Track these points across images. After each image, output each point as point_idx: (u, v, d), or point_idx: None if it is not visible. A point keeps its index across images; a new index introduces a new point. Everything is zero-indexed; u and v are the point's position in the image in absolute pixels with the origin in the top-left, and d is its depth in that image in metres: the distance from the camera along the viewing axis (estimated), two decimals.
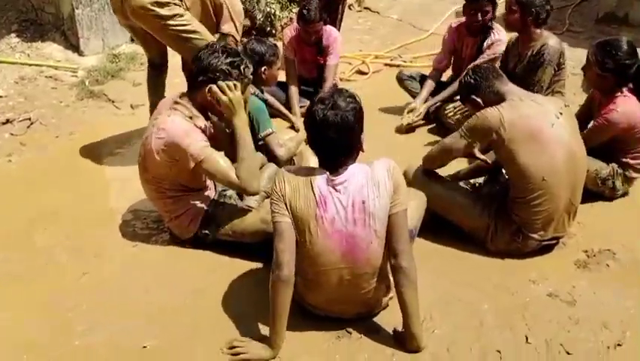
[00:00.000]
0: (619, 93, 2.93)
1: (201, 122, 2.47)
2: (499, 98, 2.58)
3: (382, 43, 5.85)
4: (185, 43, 3.20)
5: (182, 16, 3.16)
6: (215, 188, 2.76)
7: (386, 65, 5.27)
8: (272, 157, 2.98)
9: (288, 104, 4.13)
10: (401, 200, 2.08)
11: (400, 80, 4.22)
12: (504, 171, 2.73)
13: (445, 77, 4.20)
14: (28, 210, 3.10)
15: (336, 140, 2.04)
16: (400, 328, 2.18)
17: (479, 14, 3.75)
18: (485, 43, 3.85)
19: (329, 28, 4.19)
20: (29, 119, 4.14)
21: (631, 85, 2.97)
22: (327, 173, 2.07)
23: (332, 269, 2.10)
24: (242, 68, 2.44)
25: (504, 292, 2.47)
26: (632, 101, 2.95)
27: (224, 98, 2.40)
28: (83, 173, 3.56)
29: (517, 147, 2.47)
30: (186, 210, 2.61)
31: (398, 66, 5.19)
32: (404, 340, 2.14)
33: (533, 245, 2.64)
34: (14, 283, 2.55)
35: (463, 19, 3.91)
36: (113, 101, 4.50)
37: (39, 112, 4.25)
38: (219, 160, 2.43)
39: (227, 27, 3.37)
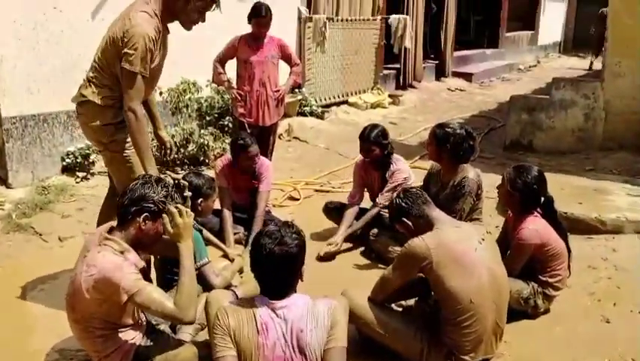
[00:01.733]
0: (529, 214, 3.22)
1: (133, 256, 2.45)
2: (427, 223, 2.77)
3: (312, 170, 6.16)
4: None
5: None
6: (147, 321, 2.72)
7: (316, 190, 5.53)
8: (208, 287, 2.99)
9: (221, 232, 4.20)
10: (338, 336, 2.18)
11: (327, 211, 4.45)
12: (433, 295, 2.86)
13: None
14: None
15: (280, 272, 2.16)
16: None
17: (367, 153, 4.15)
18: (387, 175, 4.18)
19: (262, 158, 4.40)
20: None
21: (540, 211, 3.27)
22: (268, 299, 2.15)
23: None
24: (176, 196, 2.52)
25: None
26: (540, 220, 3.23)
27: (178, 220, 2.43)
28: (6, 310, 3.39)
29: (444, 272, 2.62)
30: (116, 348, 2.52)
31: (327, 192, 5.46)
32: None
33: None
34: None
35: None
36: (40, 234, 4.40)
37: None
38: (153, 291, 2.39)
39: None
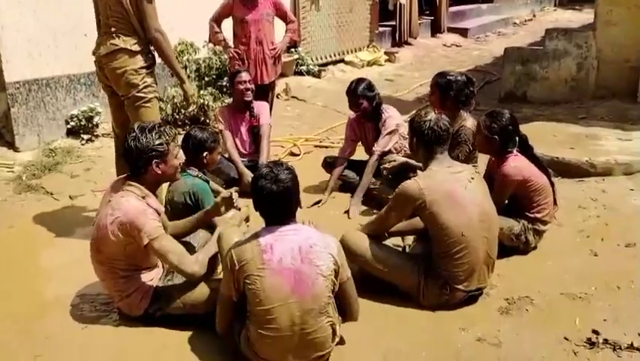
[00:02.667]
0: (509, 154, 3.39)
1: (153, 201, 2.66)
2: (427, 156, 2.95)
3: (311, 127, 6.29)
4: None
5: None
6: (163, 266, 2.90)
7: (315, 146, 5.67)
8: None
9: (236, 172, 4.47)
10: (346, 269, 2.47)
11: (326, 165, 4.61)
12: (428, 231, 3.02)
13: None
14: None
15: (282, 205, 2.40)
16: None
17: (355, 107, 4.30)
18: (380, 124, 4.32)
19: (259, 102, 4.60)
20: None
21: (518, 150, 3.44)
22: (272, 227, 2.40)
23: (282, 305, 2.32)
24: (168, 135, 2.69)
25: (438, 341, 2.70)
26: (521, 158, 3.41)
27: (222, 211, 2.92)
28: (25, 262, 3.58)
29: (437, 209, 2.79)
30: (137, 288, 2.72)
31: (326, 147, 5.61)
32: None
33: (460, 296, 2.91)
34: None
35: None
36: (51, 194, 4.57)
37: None
38: (171, 241, 2.64)
39: None
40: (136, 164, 2.64)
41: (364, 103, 4.25)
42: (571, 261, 3.40)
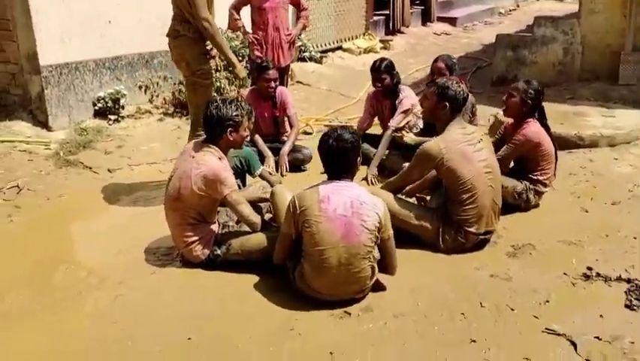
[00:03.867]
0: (530, 119, 3.90)
1: (226, 162, 3.15)
2: (445, 118, 3.43)
3: (318, 109, 6.74)
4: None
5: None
6: (218, 222, 3.36)
7: (326, 125, 6.12)
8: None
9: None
10: (389, 227, 2.93)
11: None
12: (444, 183, 3.49)
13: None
14: (45, 255, 3.50)
15: (340, 161, 2.88)
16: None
17: (378, 82, 4.75)
18: (397, 102, 4.80)
19: (280, 88, 4.99)
20: (17, 186, 4.52)
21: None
22: (332, 181, 2.84)
23: (333, 248, 2.79)
24: (244, 109, 3.17)
25: (458, 278, 3.20)
26: (538, 125, 3.93)
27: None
28: (83, 224, 4.01)
29: (452, 164, 3.31)
30: (202, 236, 3.18)
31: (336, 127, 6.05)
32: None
33: (473, 240, 3.41)
34: (59, 311, 2.94)
35: None
36: (90, 168, 4.96)
37: (24, 180, 4.63)
38: (241, 197, 3.16)
39: None
40: (214, 130, 3.10)
41: (387, 79, 4.73)
42: (565, 216, 3.93)
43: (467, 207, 3.35)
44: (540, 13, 11.45)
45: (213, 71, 5.90)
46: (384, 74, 4.73)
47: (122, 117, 6.03)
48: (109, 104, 5.92)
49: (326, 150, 2.86)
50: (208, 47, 3.96)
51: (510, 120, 4.09)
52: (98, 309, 2.95)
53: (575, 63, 7.14)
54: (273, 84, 4.81)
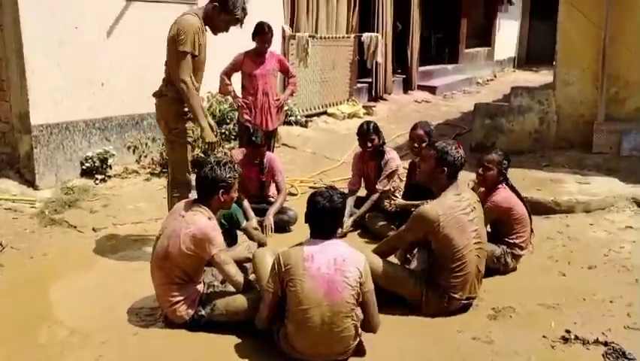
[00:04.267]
0: (500, 186, 4.06)
1: (216, 222, 3.21)
2: (445, 183, 3.49)
3: (303, 171, 6.88)
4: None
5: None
6: (203, 282, 3.39)
7: (310, 187, 6.24)
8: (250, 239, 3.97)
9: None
10: (369, 281, 2.96)
11: None
12: (433, 248, 3.53)
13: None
14: (26, 313, 3.48)
15: (329, 220, 2.96)
16: None
17: (367, 143, 4.94)
18: (382, 163, 4.98)
19: (269, 154, 5.13)
20: (0, 244, 4.51)
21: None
22: (315, 240, 2.93)
23: (316, 306, 2.83)
24: (236, 172, 3.28)
25: (441, 340, 3.24)
26: (508, 190, 4.10)
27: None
28: (67, 282, 3.99)
29: (447, 231, 3.37)
30: (187, 296, 3.20)
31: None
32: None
33: (456, 305, 3.47)
34: None
35: None
36: (75, 227, 4.97)
37: (7, 238, 4.62)
38: (229, 257, 3.22)
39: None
40: (207, 190, 3.19)
41: (376, 139, 4.93)
42: (544, 279, 4.03)
43: (455, 274, 3.41)
44: (516, 83, 11.98)
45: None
46: (372, 135, 4.93)
47: (109, 177, 6.09)
48: (96, 164, 6.00)
49: (317, 209, 2.94)
50: (186, 109, 4.07)
51: (482, 189, 4.24)
52: None
53: (550, 132, 7.43)
54: (260, 155, 4.97)
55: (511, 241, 4.05)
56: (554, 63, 7.65)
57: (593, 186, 5.66)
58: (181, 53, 3.90)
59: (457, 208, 3.42)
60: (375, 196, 4.89)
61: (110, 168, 6.10)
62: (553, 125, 7.42)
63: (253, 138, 4.91)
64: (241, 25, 4.13)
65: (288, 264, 2.89)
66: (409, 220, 3.55)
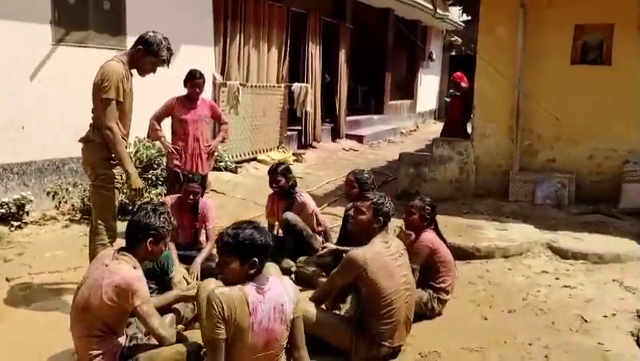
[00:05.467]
0: (426, 231, 4.22)
1: (141, 272, 3.08)
2: (378, 231, 3.57)
3: (232, 218, 6.78)
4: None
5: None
6: (126, 334, 3.25)
7: None
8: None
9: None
10: (299, 308, 2.92)
11: None
12: (363, 294, 3.55)
13: None
14: None
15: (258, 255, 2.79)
16: None
17: (273, 183, 5.17)
18: (293, 207, 5.12)
19: (204, 199, 5.08)
20: None
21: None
22: (256, 285, 2.77)
23: (254, 357, 2.77)
24: (170, 224, 3.18)
25: None
26: (433, 234, 4.27)
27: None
28: None
29: (374, 276, 3.42)
30: (107, 349, 3.04)
31: None
32: None
33: (385, 352, 3.51)
34: None
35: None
36: None
37: None
38: (153, 308, 3.07)
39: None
40: (135, 236, 3.08)
41: (282, 181, 5.09)
42: (467, 323, 4.15)
43: (383, 321, 3.45)
44: (436, 134, 12.54)
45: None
46: (279, 176, 5.10)
47: (26, 223, 5.81)
48: (12, 210, 5.71)
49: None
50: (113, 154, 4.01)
51: (412, 235, 4.37)
52: None
53: (469, 180, 7.80)
54: (192, 197, 4.90)
55: (437, 285, 4.17)
56: (472, 116, 8.11)
57: (510, 233, 5.95)
58: (105, 100, 3.86)
59: (384, 254, 3.51)
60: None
61: (27, 214, 5.83)
62: (472, 174, 7.80)
63: (190, 176, 4.87)
64: (167, 65, 4.16)
65: (234, 315, 2.69)
66: (339, 265, 3.60)
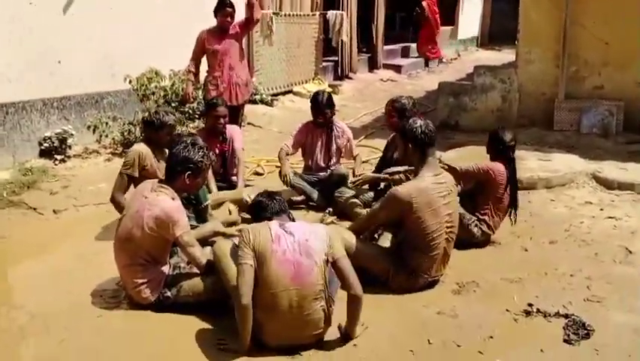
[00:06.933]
0: (499, 163, 4.14)
1: (179, 203, 3.12)
2: (420, 159, 3.47)
3: (269, 150, 6.78)
4: None
5: None
6: (169, 263, 3.34)
7: (277, 167, 6.17)
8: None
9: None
10: (336, 249, 2.89)
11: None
12: (405, 228, 3.50)
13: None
14: None
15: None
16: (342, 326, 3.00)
17: (320, 116, 4.96)
18: (336, 132, 5.02)
19: (230, 125, 5.06)
20: None
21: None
22: (280, 221, 2.88)
23: (284, 291, 2.78)
24: (209, 159, 3.20)
25: (407, 315, 3.29)
26: (500, 167, 4.13)
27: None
28: (26, 266, 3.88)
29: (419, 214, 3.37)
30: (151, 278, 3.14)
31: None
32: (345, 331, 2.97)
33: (422, 282, 3.52)
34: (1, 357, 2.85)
35: None
36: (34, 209, 4.83)
37: None
38: (193, 238, 3.14)
39: None
40: (174, 168, 3.10)
41: (329, 113, 4.95)
42: (506, 254, 4.11)
43: (424, 255, 3.43)
44: (479, 62, 12.09)
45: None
46: (326, 108, 4.95)
47: (69, 157, 5.94)
48: (55, 144, 5.83)
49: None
50: None
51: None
52: (42, 354, 2.86)
53: (512, 110, 7.55)
54: (222, 120, 4.85)
55: (482, 216, 4.13)
56: (516, 42, 7.74)
57: (553, 163, 5.78)
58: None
59: (432, 190, 3.41)
60: (359, 159, 5.11)
61: (70, 148, 5.95)
62: (515, 103, 7.54)
63: (214, 101, 4.85)
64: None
65: (257, 239, 2.80)
66: (383, 199, 3.55)
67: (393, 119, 4.61)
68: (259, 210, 3.05)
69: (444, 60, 15.81)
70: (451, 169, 3.96)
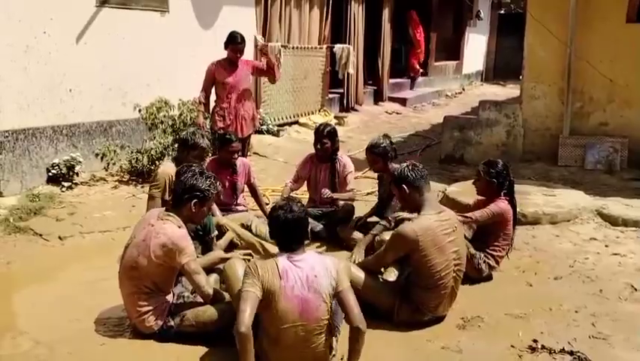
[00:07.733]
0: (498, 198, 4.12)
1: (186, 230, 3.14)
2: (418, 198, 3.47)
3: (275, 180, 6.87)
4: None
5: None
6: (172, 292, 3.34)
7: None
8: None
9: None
10: (341, 281, 2.87)
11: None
12: (411, 266, 3.52)
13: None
14: None
15: (293, 232, 2.87)
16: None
17: (319, 145, 5.00)
18: (338, 167, 5.02)
19: (241, 158, 5.11)
20: None
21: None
22: (287, 254, 2.85)
23: (290, 326, 2.78)
24: (216, 189, 3.22)
25: (411, 349, 3.26)
26: (507, 204, 4.14)
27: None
28: (31, 292, 3.88)
29: (426, 252, 3.36)
30: (156, 306, 3.15)
31: None
32: None
33: (427, 320, 3.51)
34: None
35: None
36: (40, 235, 4.86)
37: None
38: (199, 266, 3.14)
39: None
40: (181, 196, 3.13)
41: (328, 143, 4.96)
42: (511, 290, 4.09)
43: (431, 294, 3.43)
44: (484, 96, 12.25)
45: (172, 142, 6.08)
46: (325, 139, 4.96)
47: (76, 184, 5.99)
48: (63, 171, 5.89)
49: (280, 223, 2.86)
50: None
51: (479, 197, 4.33)
52: None
53: (517, 144, 7.59)
54: (236, 155, 4.92)
55: (490, 252, 4.13)
56: (521, 78, 7.84)
57: (558, 199, 5.79)
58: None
59: (436, 228, 3.40)
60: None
61: (77, 175, 6.00)
62: (520, 138, 7.59)
63: (228, 137, 4.88)
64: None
65: (265, 276, 2.78)
66: (388, 240, 3.57)
67: (378, 164, 4.67)
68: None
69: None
70: (466, 221, 4.00)
